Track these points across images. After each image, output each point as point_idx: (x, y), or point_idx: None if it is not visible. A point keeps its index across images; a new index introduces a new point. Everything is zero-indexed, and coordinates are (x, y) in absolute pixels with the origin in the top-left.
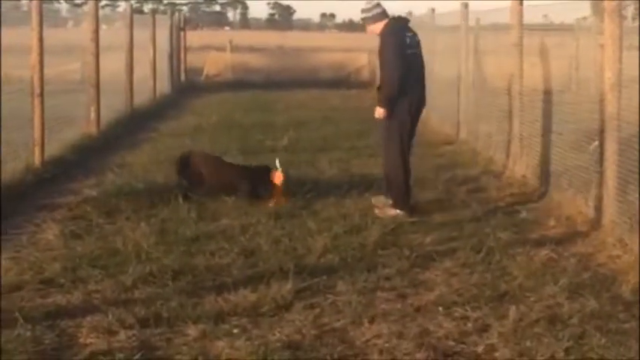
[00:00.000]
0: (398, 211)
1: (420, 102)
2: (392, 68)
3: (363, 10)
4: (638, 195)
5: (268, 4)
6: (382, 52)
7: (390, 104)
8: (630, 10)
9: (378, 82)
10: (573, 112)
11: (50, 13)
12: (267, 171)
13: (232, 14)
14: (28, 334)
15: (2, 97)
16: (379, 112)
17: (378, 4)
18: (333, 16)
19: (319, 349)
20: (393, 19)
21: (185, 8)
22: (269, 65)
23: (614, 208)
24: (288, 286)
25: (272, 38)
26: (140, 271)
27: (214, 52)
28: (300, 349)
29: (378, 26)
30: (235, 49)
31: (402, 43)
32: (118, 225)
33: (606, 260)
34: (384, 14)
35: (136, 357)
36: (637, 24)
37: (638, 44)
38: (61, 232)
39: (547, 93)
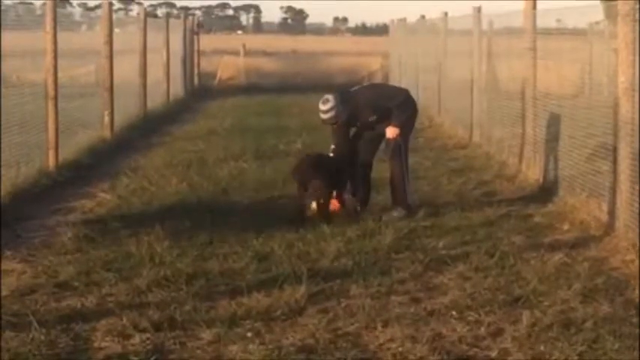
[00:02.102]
0: (404, 211)
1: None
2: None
3: (323, 112)
4: None
5: (281, 8)
6: (385, 95)
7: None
8: None
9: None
10: (587, 116)
11: (63, 16)
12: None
13: (245, 18)
14: (43, 337)
15: (16, 101)
16: (395, 131)
17: (335, 98)
18: (345, 20)
19: (333, 353)
20: (349, 94)
21: (198, 12)
22: (282, 69)
23: (628, 213)
24: (302, 290)
25: (285, 42)
26: (154, 274)
27: (227, 56)
28: (313, 353)
29: (344, 115)
30: (248, 53)
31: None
32: (131, 228)
33: (620, 264)
34: (343, 103)
35: None
36: None
37: None
38: (76, 236)
39: (560, 97)
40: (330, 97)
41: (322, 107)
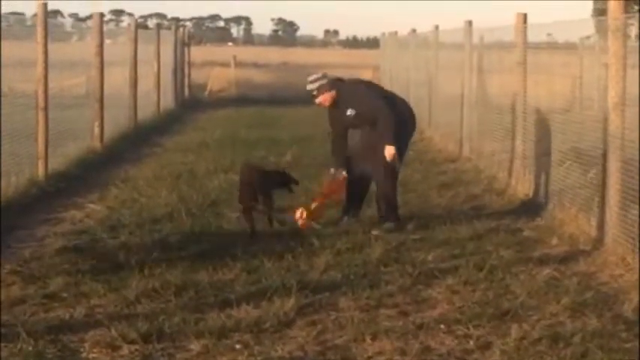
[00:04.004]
0: (392, 224)
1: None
2: (388, 110)
3: (310, 82)
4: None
5: (272, 20)
6: (367, 102)
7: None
8: (634, 29)
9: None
10: (577, 130)
11: (54, 27)
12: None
13: (236, 30)
14: (31, 348)
15: (7, 111)
16: (391, 151)
17: (324, 76)
18: (336, 32)
19: None
20: (340, 82)
21: (189, 24)
22: (273, 81)
23: (617, 227)
24: (291, 302)
25: (276, 54)
26: (143, 286)
27: (218, 68)
28: None
29: (327, 96)
30: (239, 64)
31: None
32: (121, 239)
33: (608, 279)
34: (331, 84)
35: None
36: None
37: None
38: (65, 247)
39: (550, 111)
40: (321, 74)
41: (309, 78)
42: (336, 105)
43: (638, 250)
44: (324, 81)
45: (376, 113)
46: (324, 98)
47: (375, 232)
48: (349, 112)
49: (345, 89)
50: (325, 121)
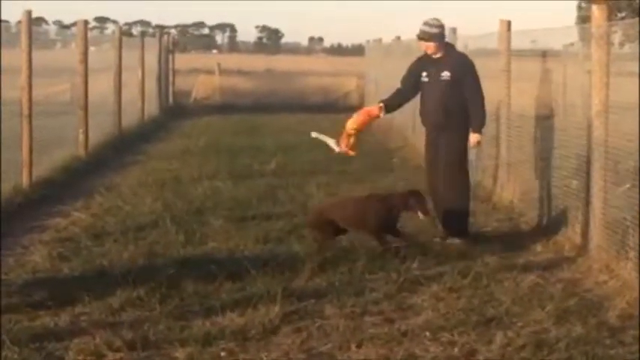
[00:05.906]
0: (457, 240)
1: None
2: (482, 95)
3: (426, 24)
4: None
5: (257, 27)
6: (471, 79)
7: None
8: (617, 37)
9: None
10: (561, 137)
11: (39, 34)
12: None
13: (221, 37)
14: (16, 356)
15: None
16: (477, 138)
17: (443, 26)
18: (321, 39)
19: None
20: (450, 45)
21: (174, 31)
22: (257, 88)
23: (601, 234)
24: (276, 309)
25: (260, 62)
26: (128, 293)
27: (203, 75)
28: None
29: (435, 48)
30: (224, 72)
31: None
32: (105, 247)
33: (593, 286)
34: (442, 37)
35: None
36: (624, 50)
37: (626, 70)
38: (49, 254)
39: (534, 119)
40: (441, 22)
41: (428, 20)
42: (432, 62)
43: (622, 257)
44: (438, 30)
45: (472, 93)
46: (431, 47)
47: (449, 241)
48: (444, 75)
49: (454, 54)
50: (309, 129)
